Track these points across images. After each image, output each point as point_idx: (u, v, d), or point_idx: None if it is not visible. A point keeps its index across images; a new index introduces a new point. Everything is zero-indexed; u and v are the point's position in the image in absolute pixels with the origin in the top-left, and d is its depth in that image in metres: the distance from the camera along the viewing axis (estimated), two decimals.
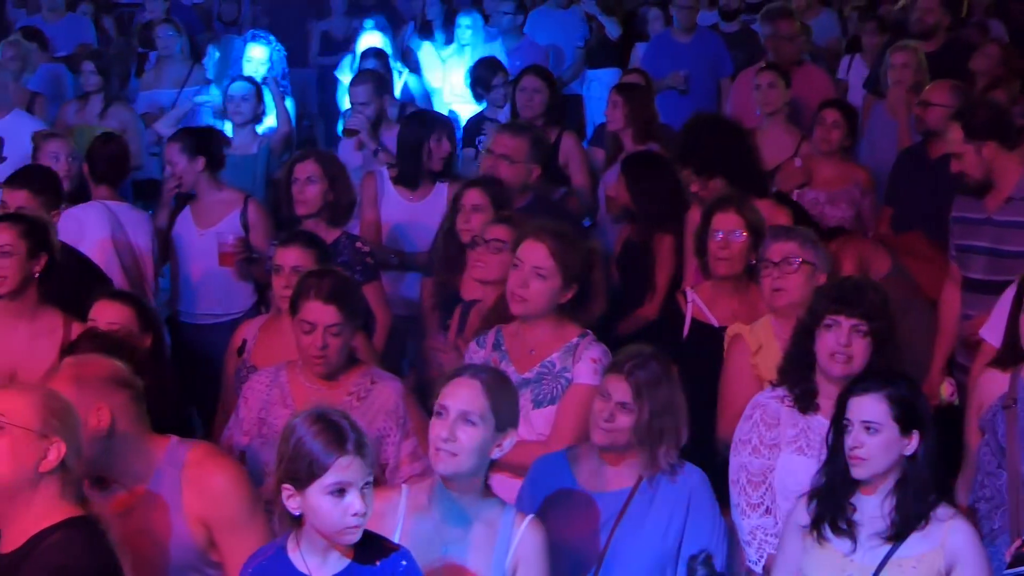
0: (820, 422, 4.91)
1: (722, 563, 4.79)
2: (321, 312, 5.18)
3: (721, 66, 10.94)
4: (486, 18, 12.01)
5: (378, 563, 3.89)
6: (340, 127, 9.27)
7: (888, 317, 4.89)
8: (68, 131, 9.24)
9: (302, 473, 3.83)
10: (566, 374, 5.28)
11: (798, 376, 5.00)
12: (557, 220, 5.78)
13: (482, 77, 9.76)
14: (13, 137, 8.76)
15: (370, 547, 3.91)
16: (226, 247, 7.44)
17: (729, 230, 5.98)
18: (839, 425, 4.47)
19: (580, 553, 4.69)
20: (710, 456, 5.32)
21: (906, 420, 4.41)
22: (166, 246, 7.72)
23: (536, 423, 5.23)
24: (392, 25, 12.84)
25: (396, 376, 5.49)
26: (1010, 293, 5.43)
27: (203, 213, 7.70)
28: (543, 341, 5.35)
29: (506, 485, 4.87)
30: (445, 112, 10.17)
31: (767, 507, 5.01)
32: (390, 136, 8.42)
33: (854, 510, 4.48)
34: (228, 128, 9.34)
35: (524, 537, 4.30)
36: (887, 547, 4.43)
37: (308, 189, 7.03)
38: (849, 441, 4.43)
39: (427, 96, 10.89)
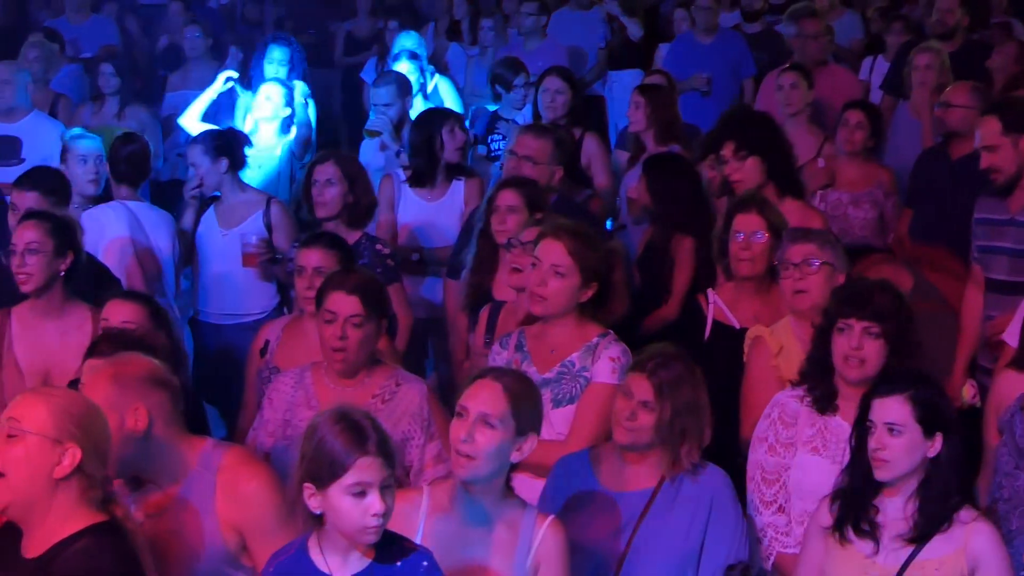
0: (838, 423, 4.91)
1: (744, 564, 4.78)
2: (343, 302, 5.19)
3: (743, 67, 10.92)
4: (507, 19, 12.01)
5: (399, 563, 3.90)
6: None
7: (901, 317, 4.87)
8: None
9: (323, 472, 3.84)
10: (585, 373, 5.28)
11: (818, 378, 4.99)
12: (577, 220, 5.78)
13: (503, 76, 9.75)
14: (32, 138, 8.79)
15: (391, 547, 3.92)
16: (249, 247, 7.46)
17: (751, 231, 5.97)
18: (862, 426, 4.46)
19: (601, 553, 4.69)
20: (732, 457, 5.32)
21: (930, 422, 4.40)
22: (191, 247, 7.75)
23: (555, 423, 5.23)
24: (415, 26, 12.87)
25: (420, 378, 5.49)
26: None
27: (226, 214, 7.72)
28: (564, 341, 5.35)
29: (527, 485, 4.87)
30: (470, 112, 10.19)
31: (780, 505, 5.01)
32: None
33: (877, 512, 4.47)
34: (244, 125, 9.37)
35: (545, 537, 4.30)
36: (909, 549, 4.43)
37: (328, 191, 7.04)
38: (872, 443, 4.42)
39: (456, 97, 10.90)
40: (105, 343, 5.04)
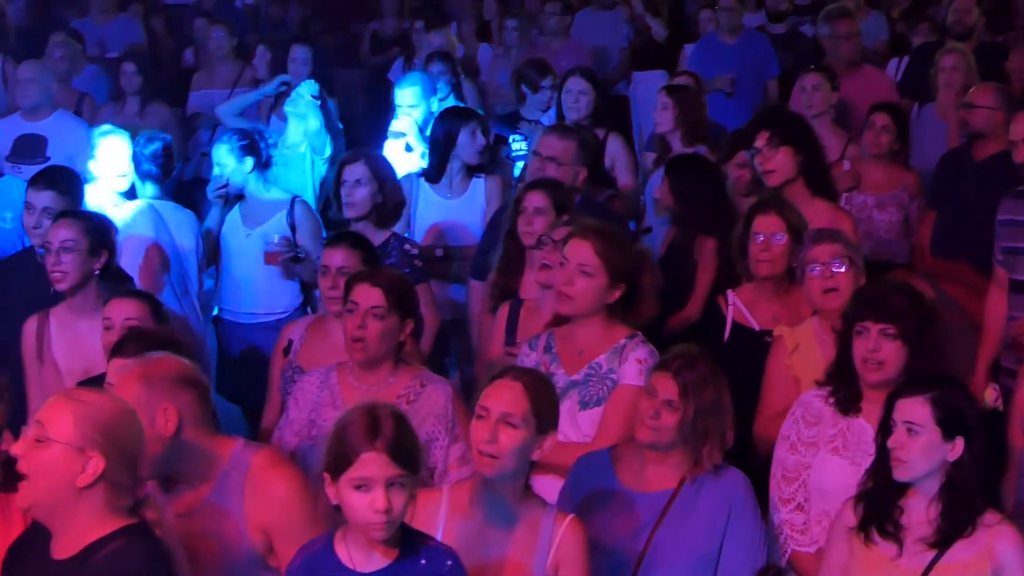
0: (860, 425, 4.90)
1: (762, 566, 4.77)
2: (366, 293, 5.21)
3: (768, 68, 10.90)
4: (532, 19, 12.01)
5: (423, 561, 3.91)
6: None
7: (918, 318, 4.85)
8: None
9: (336, 463, 3.88)
10: (612, 375, 5.28)
11: (842, 380, 4.98)
12: (601, 220, 5.77)
13: (530, 77, 9.75)
14: (57, 137, 8.82)
15: (417, 545, 3.93)
16: (271, 246, 7.48)
17: (770, 233, 5.97)
18: (886, 427, 4.46)
19: (620, 553, 4.68)
20: (752, 459, 5.32)
21: (950, 425, 4.38)
22: (215, 246, 7.77)
23: (583, 425, 5.24)
24: (440, 26, 12.87)
25: (445, 379, 5.49)
26: None
27: (251, 213, 7.74)
28: (592, 343, 5.35)
29: (552, 487, 4.89)
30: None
31: (799, 503, 5.00)
32: None
33: (901, 513, 4.47)
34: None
35: (565, 537, 4.31)
36: (933, 552, 4.41)
37: (357, 192, 7.05)
38: (890, 441, 4.41)
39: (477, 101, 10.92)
40: (131, 342, 5.06)
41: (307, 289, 7.61)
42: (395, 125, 8.77)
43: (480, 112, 8.63)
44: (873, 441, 4.57)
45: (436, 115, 8.27)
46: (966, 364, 6.37)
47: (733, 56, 10.81)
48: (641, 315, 5.47)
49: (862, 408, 4.93)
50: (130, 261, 7.02)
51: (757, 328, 5.99)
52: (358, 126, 10.83)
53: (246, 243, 7.67)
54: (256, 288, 7.69)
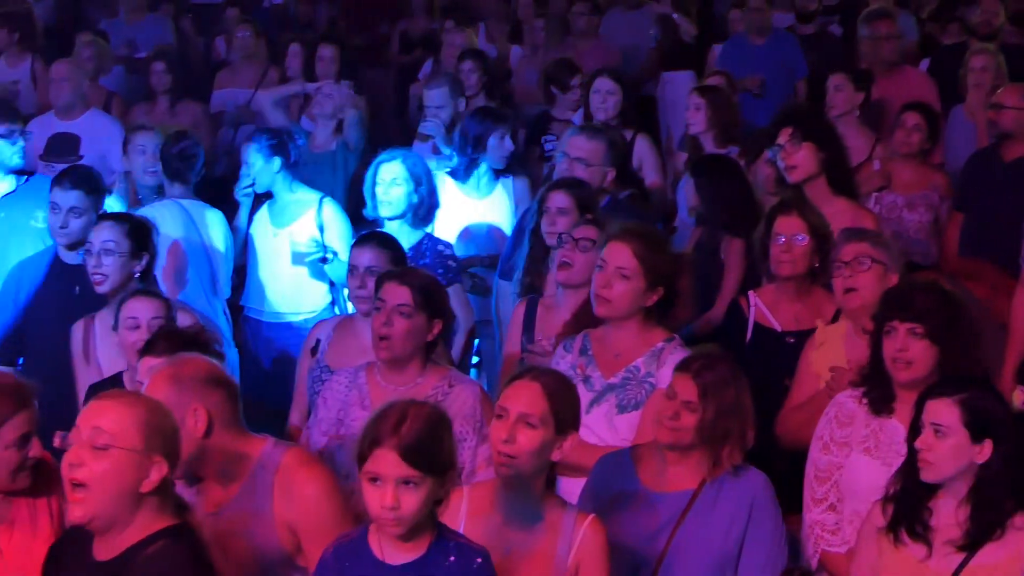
0: (893, 426, 4.88)
1: (782, 568, 4.74)
2: (394, 291, 5.22)
3: (796, 68, 10.86)
4: (563, 20, 12.00)
5: (452, 559, 3.92)
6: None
7: (946, 316, 4.84)
8: None
9: (360, 453, 3.92)
10: (650, 379, 5.27)
11: (875, 381, 4.97)
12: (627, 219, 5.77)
13: (559, 77, 9.75)
14: (90, 136, 8.85)
15: (448, 543, 3.95)
16: (300, 247, 7.49)
17: (791, 234, 5.95)
18: (916, 427, 4.45)
19: (639, 553, 4.67)
20: (774, 459, 5.31)
21: (978, 428, 4.36)
22: (243, 245, 7.79)
23: (620, 428, 5.23)
24: (469, 26, 12.87)
25: (474, 380, 5.49)
26: None
27: (278, 213, 7.76)
28: (629, 346, 5.34)
29: (580, 489, 4.89)
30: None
31: (831, 503, 4.99)
32: None
33: (930, 514, 4.45)
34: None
35: (586, 537, 4.30)
36: (962, 555, 4.39)
37: (393, 191, 7.06)
38: (918, 442, 4.40)
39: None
40: (161, 341, 5.08)
41: (335, 289, 7.63)
42: (423, 128, 8.76)
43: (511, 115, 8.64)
44: (905, 442, 4.56)
45: (468, 115, 8.26)
46: (993, 365, 6.34)
47: (762, 56, 10.77)
48: (678, 318, 5.46)
49: (895, 409, 4.91)
50: (160, 260, 7.04)
51: (779, 329, 5.98)
52: (387, 126, 10.83)
53: (273, 242, 7.70)
54: (283, 287, 7.71)
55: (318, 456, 5.04)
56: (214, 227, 7.61)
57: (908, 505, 4.47)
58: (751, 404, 4.75)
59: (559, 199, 6.51)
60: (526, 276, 6.55)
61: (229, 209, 7.98)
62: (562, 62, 9.97)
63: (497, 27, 13.01)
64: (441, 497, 3.93)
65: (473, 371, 7.47)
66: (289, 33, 12.23)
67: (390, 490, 3.84)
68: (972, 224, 7.83)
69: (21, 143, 7.60)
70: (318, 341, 6.07)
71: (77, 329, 6.25)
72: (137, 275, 6.14)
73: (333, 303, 7.65)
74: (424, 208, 7.13)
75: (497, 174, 7.83)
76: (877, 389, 4.96)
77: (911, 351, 4.82)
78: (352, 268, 6.05)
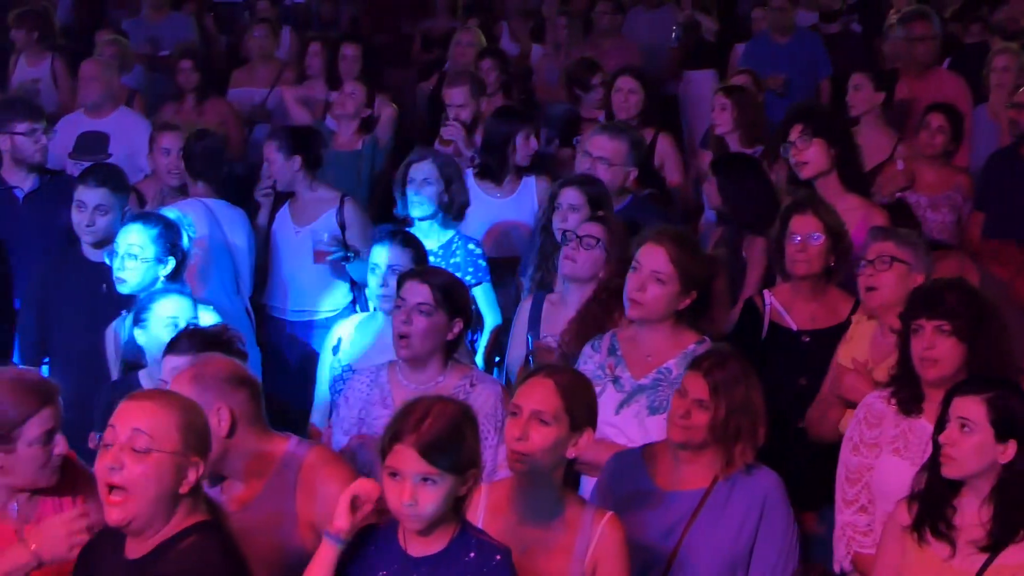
0: (922, 426, 4.86)
1: (793, 568, 4.74)
2: (414, 289, 5.24)
3: (820, 67, 10.85)
4: (587, 20, 12.00)
5: (472, 555, 3.94)
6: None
7: (973, 315, 4.82)
8: None
9: (383, 446, 3.95)
10: None
11: (904, 380, 4.96)
12: (666, 223, 5.76)
13: (580, 78, 9.74)
14: (120, 134, 8.86)
15: (470, 538, 3.97)
16: (321, 245, 7.49)
17: (807, 233, 5.93)
18: (942, 424, 4.43)
19: (651, 552, 4.66)
20: (787, 459, 5.31)
21: (1004, 427, 4.34)
22: (264, 244, 7.79)
23: (652, 430, 5.20)
24: (492, 25, 12.88)
25: (496, 379, 5.49)
26: None
27: (300, 211, 7.76)
28: (660, 347, 5.33)
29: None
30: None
31: (862, 505, 4.98)
32: None
33: (954, 512, 4.43)
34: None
35: (603, 535, 4.30)
36: (986, 555, 4.37)
37: (425, 190, 7.05)
38: (942, 437, 4.39)
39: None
40: (184, 340, 5.09)
41: (357, 288, 7.63)
42: (444, 132, 8.73)
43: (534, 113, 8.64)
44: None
45: (492, 114, 8.26)
46: (1017, 349, 6.33)
47: (786, 55, 10.76)
48: (712, 320, 5.46)
49: (924, 409, 4.90)
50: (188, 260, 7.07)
51: (795, 328, 5.97)
52: (409, 125, 10.83)
53: (295, 241, 7.70)
54: (305, 286, 7.71)
55: (341, 455, 5.04)
56: (237, 226, 7.61)
57: (932, 503, 4.45)
58: (763, 402, 4.75)
59: (571, 195, 6.52)
60: (537, 272, 6.55)
61: (250, 207, 8.00)
62: (583, 62, 9.96)
63: (520, 26, 13.01)
64: (463, 494, 3.94)
65: (496, 370, 7.47)
66: (310, 32, 12.24)
67: (408, 486, 3.87)
68: (992, 223, 7.80)
69: (44, 141, 7.60)
70: (339, 340, 6.08)
71: (111, 329, 6.24)
72: (163, 279, 6.14)
73: (354, 302, 7.65)
74: (454, 208, 7.12)
75: (521, 173, 7.82)
76: (906, 389, 4.95)
77: (938, 349, 4.81)
78: (374, 267, 6.05)
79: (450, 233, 7.06)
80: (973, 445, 4.35)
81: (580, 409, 4.33)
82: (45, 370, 6.50)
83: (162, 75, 11.52)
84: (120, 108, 9.30)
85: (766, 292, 6.11)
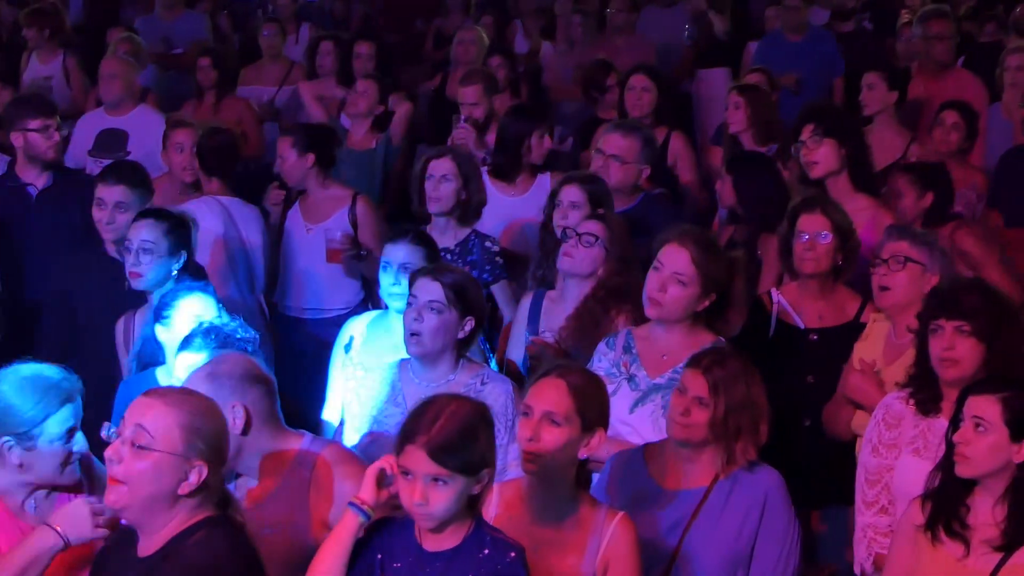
0: (941, 425, 4.83)
1: (794, 567, 4.73)
2: (425, 287, 5.24)
3: (833, 66, 10.82)
4: (604, 16, 12.00)
5: (486, 551, 3.95)
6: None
7: (993, 315, 4.82)
8: None
9: (396, 444, 3.95)
10: None
11: (922, 380, 4.95)
12: (678, 222, 5.76)
13: (594, 80, 9.73)
14: (139, 132, 8.87)
15: (484, 535, 3.98)
16: (334, 244, 7.49)
17: (815, 232, 5.94)
18: (956, 423, 4.42)
19: (652, 551, 4.64)
20: (794, 457, 5.31)
21: (1019, 427, 4.33)
22: (276, 241, 7.80)
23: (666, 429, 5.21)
24: (505, 22, 12.88)
25: (507, 378, 5.49)
26: None
27: (311, 209, 7.76)
28: (676, 347, 5.32)
29: None
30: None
31: (883, 506, 4.98)
32: None
33: (968, 512, 4.43)
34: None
35: (615, 534, 4.30)
36: (1000, 554, 4.36)
37: (443, 187, 7.02)
38: (956, 436, 4.38)
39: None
40: (198, 337, 5.09)
41: (368, 285, 7.62)
42: (456, 136, 8.71)
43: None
44: None
45: (506, 113, 8.25)
46: None
47: (798, 54, 10.74)
48: (729, 323, 5.45)
49: (942, 408, 4.89)
50: (199, 257, 7.05)
51: (802, 326, 5.97)
52: (422, 123, 10.83)
53: (306, 239, 7.70)
54: (317, 284, 7.72)
55: (355, 453, 5.05)
56: (251, 224, 7.62)
57: (945, 503, 4.44)
58: (764, 400, 4.73)
59: (572, 192, 6.53)
60: (538, 269, 6.55)
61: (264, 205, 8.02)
62: (596, 64, 9.95)
63: (534, 24, 13.01)
64: (477, 493, 3.94)
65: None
66: (322, 30, 12.25)
67: (419, 486, 3.87)
68: (1006, 221, 7.79)
69: (56, 138, 7.60)
70: (351, 338, 6.07)
71: (119, 326, 6.28)
72: (175, 273, 6.15)
73: (366, 300, 7.65)
74: (472, 205, 7.11)
75: (535, 171, 7.81)
76: (924, 389, 4.95)
77: (958, 350, 4.80)
78: (386, 265, 6.04)
79: (467, 231, 7.05)
80: (988, 444, 4.34)
81: (592, 409, 4.33)
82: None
83: (175, 74, 11.54)
84: (140, 106, 9.32)
85: (773, 291, 6.12)
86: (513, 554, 3.96)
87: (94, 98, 10.49)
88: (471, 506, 3.97)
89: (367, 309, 7.40)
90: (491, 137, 8.55)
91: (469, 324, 5.29)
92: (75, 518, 4.07)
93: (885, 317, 5.67)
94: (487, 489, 4.00)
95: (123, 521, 3.96)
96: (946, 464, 4.46)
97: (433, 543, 3.96)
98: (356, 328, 6.13)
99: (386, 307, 6.14)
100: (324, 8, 14.37)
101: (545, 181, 7.83)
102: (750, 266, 7.04)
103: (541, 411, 4.28)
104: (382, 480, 3.96)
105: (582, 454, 4.32)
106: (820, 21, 11.70)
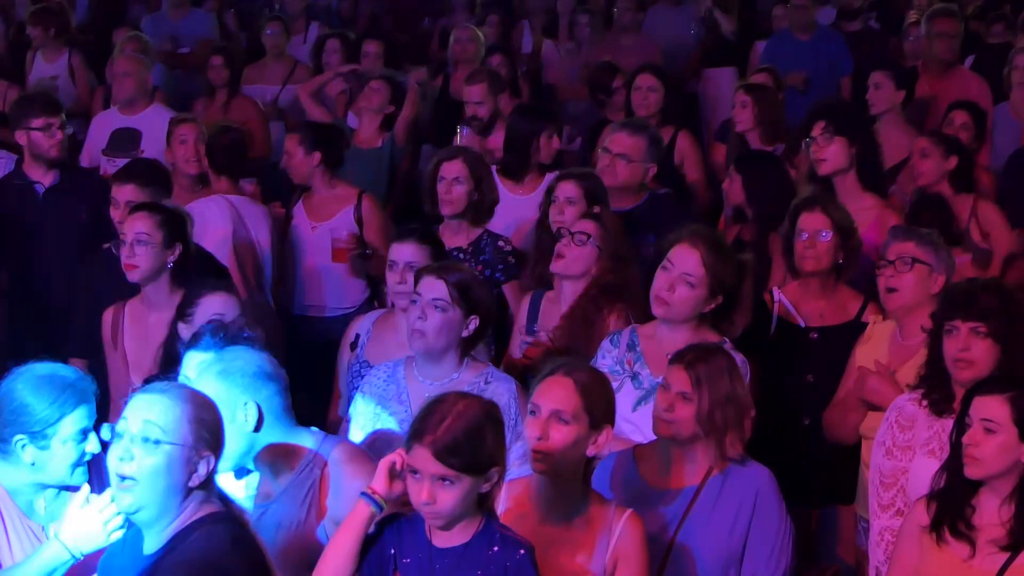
0: None
1: (786, 565, 4.71)
2: (430, 285, 5.23)
3: (841, 65, 10.81)
4: (611, 15, 11.99)
5: (495, 549, 3.96)
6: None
7: (1009, 316, 4.81)
8: None
9: (406, 442, 3.96)
10: None
11: (935, 381, 4.94)
12: (683, 222, 5.75)
13: (600, 82, 9.73)
14: (152, 131, 8.87)
15: (494, 532, 3.98)
16: (339, 243, 7.49)
17: (815, 230, 5.95)
18: (962, 424, 4.41)
19: None
20: (794, 455, 5.31)
21: None
22: (281, 240, 7.79)
23: None
24: (512, 22, 12.86)
25: (511, 377, 5.48)
26: None
27: (316, 208, 7.77)
28: (680, 347, 5.28)
29: None
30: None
31: (899, 509, 4.96)
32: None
33: (973, 512, 4.42)
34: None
35: (624, 531, 4.30)
36: (1006, 554, 4.35)
37: (455, 188, 7.00)
38: (965, 438, 4.37)
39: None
40: (207, 335, 5.07)
41: (374, 284, 7.62)
42: (462, 142, 8.69)
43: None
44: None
45: (515, 113, 8.25)
46: None
47: (806, 53, 10.73)
48: (734, 324, 5.45)
49: (956, 408, 4.86)
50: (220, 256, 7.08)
51: (803, 325, 5.98)
52: (428, 123, 10.82)
53: (312, 237, 7.70)
54: (323, 283, 7.71)
55: (366, 451, 5.05)
56: (259, 222, 7.62)
57: (951, 503, 4.43)
58: (748, 395, 4.74)
59: (568, 189, 6.54)
60: (536, 267, 6.54)
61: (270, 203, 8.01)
62: (601, 67, 9.94)
63: (541, 24, 13.01)
64: (486, 491, 3.95)
65: None
66: (328, 29, 12.25)
67: (426, 486, 3.89)
68: (1012, 221, 7.75)
69: (59, 136, 7.59)
70: (357, 336, 6.07)
71: (107, 316, 6.29)
72: (170, 265, 6.15)
73: (372, 298, 7.65)
74: (484, 206, 7.10)
75: (543, 171, 7.80)
76: (937, 389, 4.94)
77: (974, 351, 4.80)
78: (392, 263, 6.04)
79: (479, 230, 7.04)
80: (997, 445, 4.33)
81: (599, 407, 4.34)
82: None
83: (182, 72, 11.54)
84: (154, 105, 9.33)
85: (775, 289, 6.13)
86: (522, 552, 3.96)
87: (100, 97, 10.51)
88: (481, 504, 3.97)
89: (373, 308, 7.40)
90: (496, 136, 8.55)
91: (473, 323, 5.28)
92: (86, 529, 4.10)
93: (885, 319, 5.66)
94: (497, 487, 4.00)
95: (131, 522, 3.96)
96: (952, 465, 4.45)
97: (442, 540, 3.97)
98: (362, 326, 6.13)
99: (392, 305, 6.14)
100: (331, 7, 14.35)
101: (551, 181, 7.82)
102: (759, 265, 7.04)
103: (549, 409, 4.28)
104: (394, 472, 3.97)
105: (590, 452, 4.31)
106: (827, 20, 11.69)
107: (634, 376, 5.32)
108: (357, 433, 5.34)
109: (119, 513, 3.96)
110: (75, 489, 4.32)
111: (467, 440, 3.90)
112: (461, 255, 6.82)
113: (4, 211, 7.53)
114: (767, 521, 4.69)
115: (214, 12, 12.83)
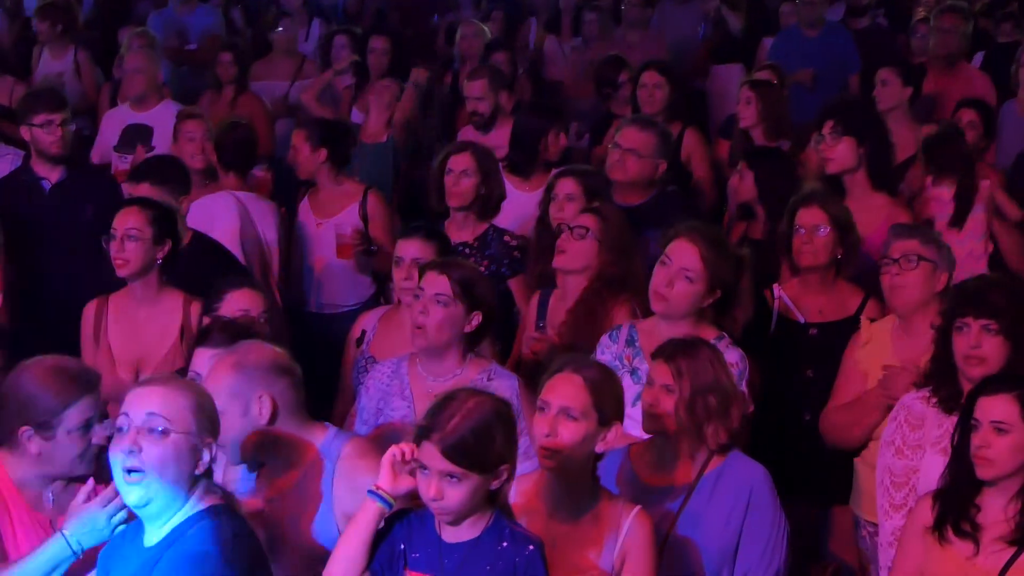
0: None
1: (780, 562, 4.70)
2: (432, 280, 5.22)
3: (849, 62, 10.80)
4: (617, 12, 11.98)
5: (504, 544, 3.96)
6: None
7: (1020, 313, 4.80)
8: None
9: (415, 438, 3.97)
10: None
11: (943, 378, 4.93)
12: (692, 218, 5.75)
13: (606, 77, 9.72)
14: (163, 127, 8.87)
15: (503, 528, 3.99)
16: (344, 239, 7.48)
17: (812, 225, 5.95)
18: (966, 424, 4.39)
19: None
20: (794, 451, 5.31)
21: None
22: (287, 236, 7.79)
23: None
24: (519, 18, 12.86)
25: (513, 374, 5.47)
26: None
27: (322, 204, 7.77)
28: None
29: None
30: None
31: (910, 508, 4.93)
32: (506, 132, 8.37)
33: (978, 511, 4.41)
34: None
35: (632, 528, 4.30)
36: (1011, 551, 4.34)
37: (463, 182, 6.99)
38: (976, 440, 4.35)
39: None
40: (216, 332, 5.07)
41: (380, 280, 7.61)
42: (463, 135, 8.67)
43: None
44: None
45: (522, 110, 8.24)
46: None
47: (814, 50, 10.72)
48: (734, 319, 5.45)
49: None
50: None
51: (803, 321, 5.98)
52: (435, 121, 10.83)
53: (317, 234, 7.70)
54: (329, 279, 7.72)
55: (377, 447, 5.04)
56: (267, 219, 7.62)
57: (955, 502, 4.42)
58: (735, 386, 4.75)
59: (567, 185, 6.55)
60: (537, 264, 6.53)
61: (278, 200, 8.00)
62: (608, 61, 9.94)
63: (544, 19, 13.01)
64: (495, 488, 3.95)
65: None
66: (335, 25, 12.25)
67: (435, 482, 3.89)
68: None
69: (60, 132, 7.58)
70: (363, 332, 6.07)
71: (89, 309, 6.28)
72: (160, 261, 6.14)
73: (378, 294, 7.64)
74: (492, 200, 7.09)
75: (550, 167, 7.79)
76: (946, 387, 4.92)
77: (985, 348, 4.78)
78: (398, 259, 6.03)
79: (485, 225, 7.03)
80: (1009, 446, 4.33)
81: (608, 403, 4.33)
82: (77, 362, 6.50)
83: (188, 68, 11.54)
84: (165, 101, 9.33)
85: (775, 285, 6.12)
86: (532, 547, 3.96)
87: (106, 93, 10.51)
88: (492, 500, 3.97)
89: (378, 304, 7.40)
90: (498, 132, 8.55)
91: (476, 318, 5.26)
92: (91, 523, 4.09)
93: (884, 315, 5.64)
94: (507, 484, 4.00)
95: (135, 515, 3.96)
96: (956, 466, 4.43)
97: (452, 535, 3.97)
98: (368, 322, 6.13)
99: (398, 301, 6.13)
100: (337, 3, 14.35)
101: None
102: (770, 263, 7.02)
103: (558, 406, 4.28)
104: (397, 466, 3.97)
105: (599, 448, 4.31)
106: (835, 17, 11.68)
107: (633, 371, 5.32)
108: (361, 429, 5.34)
109: (127, 507, 3.95)
110: (81, 481, 4.32)
111: (475, 438, 3.89)
112: (467, 250, 6.81)
113: (10, 207, 7.52)
114: (761, 518, 4.68)
115: (220, 8, 12.82)
